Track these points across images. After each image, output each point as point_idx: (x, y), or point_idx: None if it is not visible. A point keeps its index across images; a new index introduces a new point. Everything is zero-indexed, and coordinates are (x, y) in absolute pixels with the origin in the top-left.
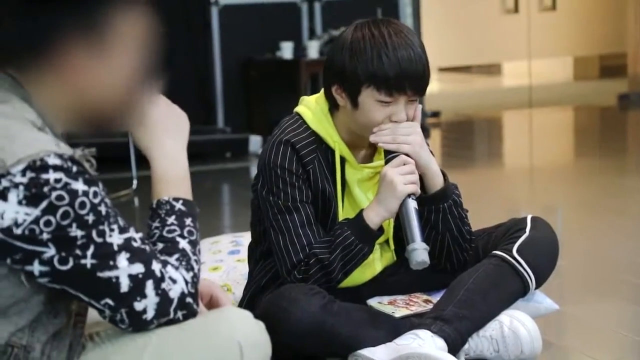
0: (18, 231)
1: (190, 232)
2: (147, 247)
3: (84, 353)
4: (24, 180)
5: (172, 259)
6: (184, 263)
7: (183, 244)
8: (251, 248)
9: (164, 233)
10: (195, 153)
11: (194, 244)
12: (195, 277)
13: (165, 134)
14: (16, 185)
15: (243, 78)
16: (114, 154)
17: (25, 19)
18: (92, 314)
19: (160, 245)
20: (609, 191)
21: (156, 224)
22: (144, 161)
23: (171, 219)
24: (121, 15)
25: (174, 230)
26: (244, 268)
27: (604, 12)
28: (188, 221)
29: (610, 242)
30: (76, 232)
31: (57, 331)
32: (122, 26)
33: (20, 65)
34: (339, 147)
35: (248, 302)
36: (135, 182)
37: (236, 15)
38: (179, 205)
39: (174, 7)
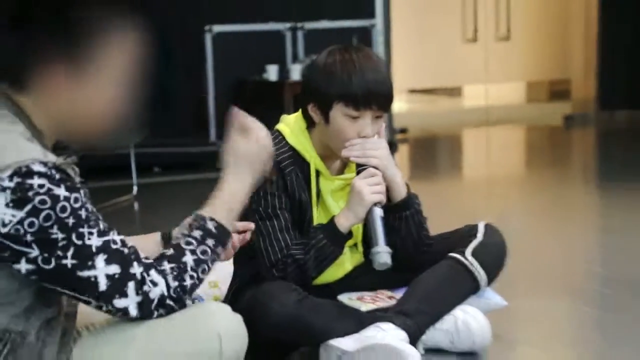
0: (5, 230)
1: (204, 252)
2: (126, 250)
3: (80, 340)
4: (11, 184)
5: (165, 266)
6: (175, 273)
7: (188, 258)
8: None
9: (182, 243)
10: (191, 163)
11: (199, 262)
12: (181, 288)
13: (241, 167)
14: (4, 189)
15: (233, 97)
16: (116, 163)
17: (11, 38)
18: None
19: (170, 251)
20: (555, 200)
21: (184, 231)
22: (143, 170)
23: (196, 233)
24: (106, 41)
25: (191, 244)
26: (230, 267)
27: (552, 43)
28: (210, 242)
29: (555, 245)
30: (57, 234)
31: (50, 319)
32: (108, 51)
33: (8, 82)
34: (314, 161)
35: (232, 297)
36: (135, 188)
37: (228, 41)
38: (210, 225)
39: (172, 34)
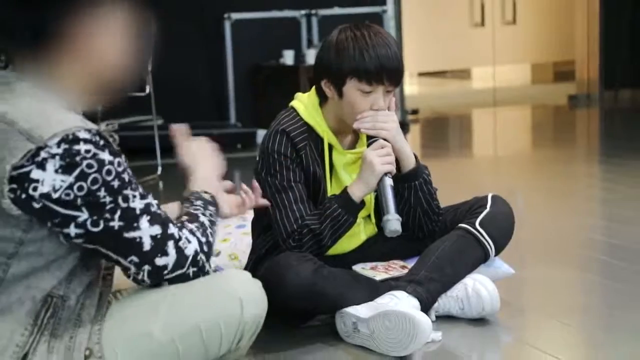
0: (55, 195)
1: (211, 214)
2: (163, 213)
3: (109, 307)
4: (59, 151)
5: (192, 225)
6: (201, 230)
7: (203, 218)
8: (254, 223)
9: (190, 209)
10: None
11: (212, 222)
12: (209, 244)
13: (200, 162)
14: (53, 156)
15: (252, 81)
16: (142, 144)
17: (27, 7)
18: (118, 278)
19: (185, 217)
20: (560, 176)
21: (186, 204)
22: (167, 151)
23: (198, 202)
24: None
25: (198, 209)
26: (249, 239)
27: (556, 26)
28: (211, 208)
29: (560, 218)
30: (105, 197)
31: (89, 283)
32: (118, 9)
33: (37, 54)
34: (327, 136)
35: (251, 268)
36: (160, 168)
37: (246, 28)
38: (206, 196)
39: (193, 22)
